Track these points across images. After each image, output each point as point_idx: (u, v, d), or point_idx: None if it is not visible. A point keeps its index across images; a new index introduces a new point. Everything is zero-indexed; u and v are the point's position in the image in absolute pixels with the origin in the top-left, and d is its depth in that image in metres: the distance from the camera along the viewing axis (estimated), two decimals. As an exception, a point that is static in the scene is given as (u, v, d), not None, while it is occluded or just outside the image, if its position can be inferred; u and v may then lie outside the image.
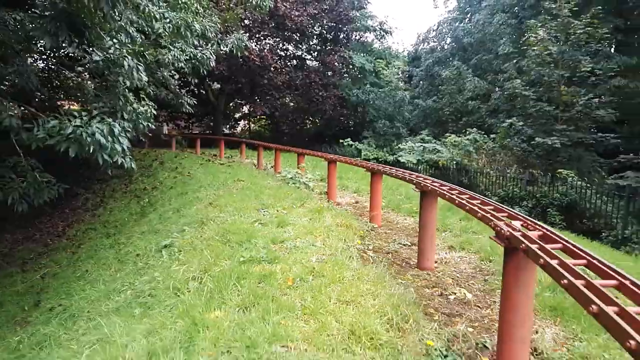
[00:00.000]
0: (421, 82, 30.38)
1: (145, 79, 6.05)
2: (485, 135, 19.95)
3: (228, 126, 28.92)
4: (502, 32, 23.07)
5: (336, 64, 23.38)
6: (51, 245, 11.82)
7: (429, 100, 27.38)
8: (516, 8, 23.13)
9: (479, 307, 3.90)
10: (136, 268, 6.08)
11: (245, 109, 28.03)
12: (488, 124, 22.83)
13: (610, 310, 1.77)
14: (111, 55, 5.50)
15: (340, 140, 22.22)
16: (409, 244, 5.89)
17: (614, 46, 22.13)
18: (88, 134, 4.75)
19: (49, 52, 6.42)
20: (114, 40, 5.50)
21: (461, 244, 5.79)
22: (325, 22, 23.13)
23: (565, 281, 2.04)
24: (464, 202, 3.83)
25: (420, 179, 5.43)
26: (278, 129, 25.41)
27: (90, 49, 5.33)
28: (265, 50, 20.92)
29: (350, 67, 24.79)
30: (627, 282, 2.05)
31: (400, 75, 30.14)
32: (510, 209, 3.49)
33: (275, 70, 21.22)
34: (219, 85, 23.35)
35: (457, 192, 4.44)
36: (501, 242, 2.77)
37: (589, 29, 16.32)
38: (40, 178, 5.44)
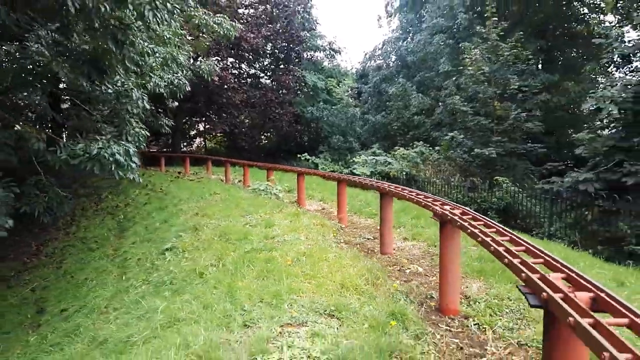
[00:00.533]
0: (370, 98, 32.39)
1: (148, 107, 7.21)
2: (431, 148, 21.94)
3: (185, 144, 29.68)
4: (441, 51, 25.42)
5: (290, 82, 24.87)
6: (30, 263, 12.41)
7: (378, 116, 29.34)
8: (453, 29, 25.56)
9: (427, 275, 5.34)
10: (143, 269, 7.15)
11: (201, 126, 28.93)
12: (433, 137, 24.93)
13: (501, 249, 3.22)
14: (119, 88, 6.62)
15: (298, 155, 23.62)
16: (372, 237, 7.32)
17: (541, 64, 24.99)
18: (109, 154, 5.84)
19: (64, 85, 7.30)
20: (120, 75, 6.62)
21: (413, 235, 7.29)
22: (278, 42, 24.64)
23: (480, 239, 3.47)
24: (413, 195, 5.31)
25: (380, 183, 6.91)
26: (236, 145, 26.47)
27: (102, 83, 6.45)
28: (224, 71, 22.11)
29: (304, 85, 26.36)
30: (520, 240, 3.52)
31: (350, 92, 32.05)
32: (445, 199, 4.99)
33: (234, 89, 22.41)
34: (176, 104, 24.22)
35: (407, 191, 5.93)
36: (437, 218, 4.23)
37: (514, 50, 18.68)
38: (62, 193, 6.42)
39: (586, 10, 25.85)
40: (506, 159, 18.33)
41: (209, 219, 8.17)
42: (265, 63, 27.10)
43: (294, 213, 7.80)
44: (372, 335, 3.12)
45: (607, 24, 25.29)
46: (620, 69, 15.35)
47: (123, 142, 6.15)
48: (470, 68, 18.99)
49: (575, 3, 25.55)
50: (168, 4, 5.71)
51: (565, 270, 2.58)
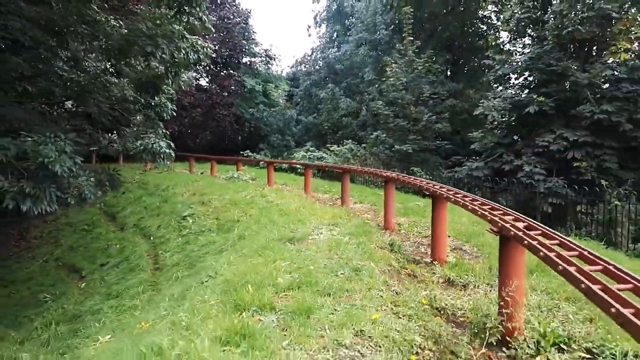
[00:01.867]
0: (301, 100, 35.91)
1: (173, 112, 10.05)
2: (358, 145, 25.83)
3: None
4: (366, 61, 29.53)
5: (231, 86, 27.71)
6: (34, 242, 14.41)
7: (310, 117, 32.91)
8: (376, 43, 29.77)
9: (420, 236, 8.77)
10: (170, 229, 10.02)
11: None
12: (359, 136, 28.89)
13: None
14: (158, 101, 9.43)
15: (241, 152, 26.52)
16: (334, 200, 10.72)
17: (449, 74, 29.93)
18: (158, 147, 8.68)
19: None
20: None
21: (360, 200, 10.82)
22: (221, 51, 27.41)
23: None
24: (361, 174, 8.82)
25: (340, 167, 10.36)
26: (183, 144, 28.79)
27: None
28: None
29: (244, 88, 29.28)
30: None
31: (285, 95, 35.37)
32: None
33: (184, 92, 24.85)
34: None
35: (360, 171, 9.43)
36: (382, 179, 7.75)
37: (427, 64, 23.04)
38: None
39: (485, 27, 31.26)
40: (421, 154, 22.56)
41: (209, 195, 11.16)
42: (209, 69, 29.68)
43: (274, 190, 11.05)
44: (357, 229, 6.51)
45: (502, 39, 31.09)
46: (504, 84, 20.05)
47: (164, 140, 9.05)
48: (391, 79, 23.04)
49: (475, 21, 30.76)
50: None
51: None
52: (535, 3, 17.93)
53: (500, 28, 30.13)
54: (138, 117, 9.72)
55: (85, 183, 7.68)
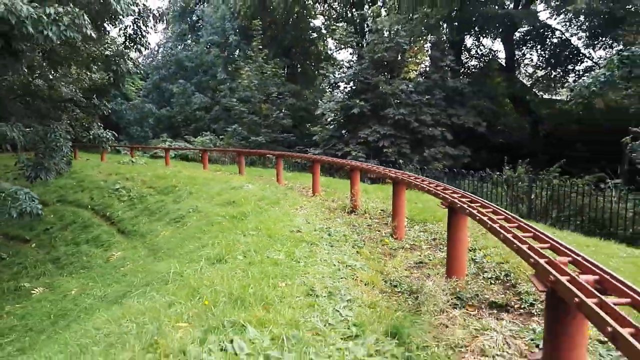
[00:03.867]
0: (150, 94, 38.35)
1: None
2: (217, 136, 30.06)
3: None
4: (217, 62, 33.72)
5: (87, 79, 29.44)
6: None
7: (163, 110, 35.82)
8: (226, 45, 34.14)
9: (380, 214, 13.60)
10: (113, 197, 13.57)
11: None
12: (213, 129, 33.02)
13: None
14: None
15: (102, 143, 28.61)
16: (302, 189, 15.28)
17: (286, 76, 35.78)
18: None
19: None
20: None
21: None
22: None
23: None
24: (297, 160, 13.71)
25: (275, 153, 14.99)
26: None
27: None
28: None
29: (99, 82, 31.07)
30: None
31: (136, 89, 37.44)
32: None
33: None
34: None
35: (296, 156, 14.28)
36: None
37: (273, 69, 28.37)
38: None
39: (316, 35, 37.91)
40: (271, 144, 27.83)
41: (129, 174, 14.78)
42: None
43: (182, 167, 15.19)
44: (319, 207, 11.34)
45: (330, 46, 38.11)
46: (335, 89, 26.46)
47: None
48: (245, 80, 27.82)
49: (310, 31, 37.12)
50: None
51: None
52: (356, 30, 24.53)
53: (328, 36, 37.36)
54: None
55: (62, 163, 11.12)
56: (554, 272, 2.57)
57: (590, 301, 2.15)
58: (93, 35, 8.33)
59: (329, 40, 38.25)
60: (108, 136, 12.50)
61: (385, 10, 23.49)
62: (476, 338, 3.45)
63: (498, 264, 5.13)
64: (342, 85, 25.27)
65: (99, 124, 13.26)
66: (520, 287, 4.48)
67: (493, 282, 4.70)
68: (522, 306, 4.12)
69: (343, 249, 5.70)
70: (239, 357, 2.83)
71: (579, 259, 2.83)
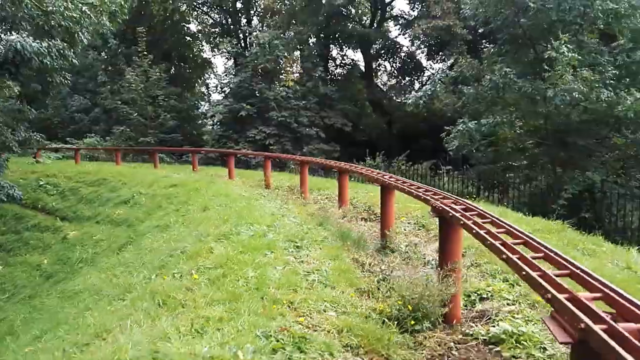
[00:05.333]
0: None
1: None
2: (101, 138, 31.40)
3: None
4: (97, 65, 34.81)
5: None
6: None
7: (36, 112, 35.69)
8: (106, 49, 35.29)
9: (287, 188, 16.76)
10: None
11: None
12: (94, 130, 34.04)
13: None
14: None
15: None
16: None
17: (168, 79, 37.86)
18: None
19: None
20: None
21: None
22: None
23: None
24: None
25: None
26: None
27: None
28: None
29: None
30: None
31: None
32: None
33: None
34: None
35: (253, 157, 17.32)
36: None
37: (157, 73, 30.69)
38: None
39: (190, 40, 40.55)
40: (159, 144, 30.16)
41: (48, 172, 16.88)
42: None
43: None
44: (242, 186, 14.59)
45: (204, 48, 40.95)
46: (220, 93, 29.70)
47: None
48: (132, 83, 29.78)
49: (186, 36, 39.65)
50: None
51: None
52: (240, 44, 28.13)
53: (202, 40, 40.38)
54: None
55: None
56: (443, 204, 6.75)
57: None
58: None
59: (205, 45, 41.34)
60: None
61: (265, 27, 27.44)
62: (355, 228, 7.61)
63: (364, 203, 9.42)
64: (227, 89, 28.65)
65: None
66: (372, 209, 8.78)
67: (362, 210, 8.96)
68: (375, 219, 8.39)
69: (276, 202, 9.57)
70: (251, 235, 6.55)
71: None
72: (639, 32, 13.34)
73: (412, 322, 3.76)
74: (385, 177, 7.05)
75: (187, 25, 38.78)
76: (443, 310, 3.85)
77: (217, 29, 39.62)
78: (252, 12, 36.35)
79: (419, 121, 30.28)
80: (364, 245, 6.41)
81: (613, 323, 1.95)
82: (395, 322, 3.76)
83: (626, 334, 1.87)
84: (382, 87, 35.28)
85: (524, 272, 2.69)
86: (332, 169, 13.30)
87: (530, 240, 3.23)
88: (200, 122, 35.30)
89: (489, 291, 4.47)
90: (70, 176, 16.19)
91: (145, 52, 30.41)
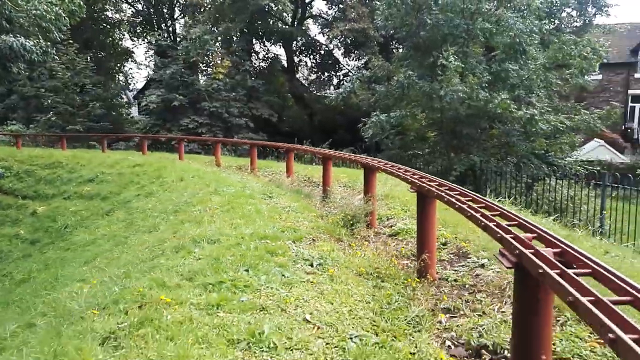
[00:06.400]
0: None
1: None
2: (25, 125, 31.77)
3: None
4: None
5: None
6: None
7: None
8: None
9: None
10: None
11: None
12: (11, 117, 34.04)
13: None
14: None
15: None
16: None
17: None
18: None
19: None
20: None
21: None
22: None
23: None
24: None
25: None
26: None
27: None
28: None
29: None
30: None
31: None
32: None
33: None
34: None
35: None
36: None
37: (83, 62, 31.61)
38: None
39: (109, 27, 41.26)
40: (88, 132, 31.19)
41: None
42: None
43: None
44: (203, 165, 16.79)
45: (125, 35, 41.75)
46: (152, 83, 31.21)
47: None
48: (60, 73, 30.54)
49: (108, 26, 40.27)
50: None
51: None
52: (167, 35, 29.95)
53: (123, 30, 41.34)
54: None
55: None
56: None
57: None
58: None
59: (126, 34, 42.18)
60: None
61: (194, 22, 29.48)
62: (303, 188, 10.65)
63: (304, 175, 12.46)
64: (159, 79, 30.33)
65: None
66: (311, 179, 11.85)
67: (303, 179, 12.02)
68: (315, 185, 11.45)
69: (236, 176, 12.35)
70: (234, 192, 9.37)
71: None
72: (509, 47, 17.46)
73: (351, 224, 6.88)
74: (325, 152, 10.15)
75: (105, 13, 39.53)
76: (367, 219, 7.02)
77: (138, 18, 40.63)
78: (175, 4, 37.99)
79: (337, 114, 33.84)
80: (312, 197, 9.45)
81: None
82: (342, 225, 6.85)
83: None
84: (303, 81, 38.45)
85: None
86: (280, 149, 16.10)
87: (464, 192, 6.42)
88: (124, 110, 36.48)
89: (392, 215, 7.70)
90: (22, 160, 17.64)
91: (70, 41, 31.15)
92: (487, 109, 16.25)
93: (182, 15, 37.79)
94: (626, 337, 1.74)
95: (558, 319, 3.60)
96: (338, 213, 7.33)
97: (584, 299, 2.05)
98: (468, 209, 3.75)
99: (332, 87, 37.38)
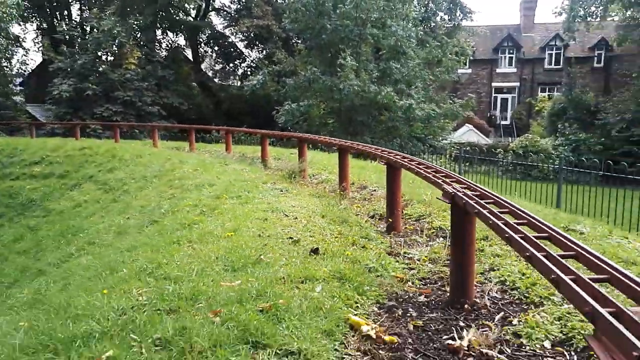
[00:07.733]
0: None
1: None
2: None
3: None
4: None
5: None
6: None
7: None
8: None
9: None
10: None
11: None
12: None
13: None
14: None
15: None
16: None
17: None
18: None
19: None
20: None
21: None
22: None
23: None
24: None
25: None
26: None
27: None
28: None
29: None
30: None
31: None
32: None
33: None
34: None
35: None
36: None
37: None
38: None
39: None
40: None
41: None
42: None
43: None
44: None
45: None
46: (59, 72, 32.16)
47: None
48: None
49: None
50: None
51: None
52: (61, 19, 31.25)
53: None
54: None
55: None
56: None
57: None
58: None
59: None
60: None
61: (104, 14, 31.05)
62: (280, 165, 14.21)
63: (273, 156, 15.93)
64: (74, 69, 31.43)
65: None
66: (246, 154, 15.40)
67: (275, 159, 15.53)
68: (251, 159, 15.01)
69: (212, 158, 15.49)
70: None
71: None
72: (392, 49, 22.07)
73: (292, 177, 10.68)
74: (262, 132, 13.82)
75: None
76: (301, 174, 10.83)
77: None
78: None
79: (242, 102, 37.12)
80: (255, 165, 13.05)
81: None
82: (287, 177, 10.59)
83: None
84: (209, 72, 41.14)
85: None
86: (220, 131, 19.20)
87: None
88: (17, 97, 36.66)
89: (317, 172, 11.54)
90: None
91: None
92: (377, 99, 20.74)
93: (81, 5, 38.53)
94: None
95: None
96: (282, 170, 11.02)
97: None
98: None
99: (237, 77, 40.49)
